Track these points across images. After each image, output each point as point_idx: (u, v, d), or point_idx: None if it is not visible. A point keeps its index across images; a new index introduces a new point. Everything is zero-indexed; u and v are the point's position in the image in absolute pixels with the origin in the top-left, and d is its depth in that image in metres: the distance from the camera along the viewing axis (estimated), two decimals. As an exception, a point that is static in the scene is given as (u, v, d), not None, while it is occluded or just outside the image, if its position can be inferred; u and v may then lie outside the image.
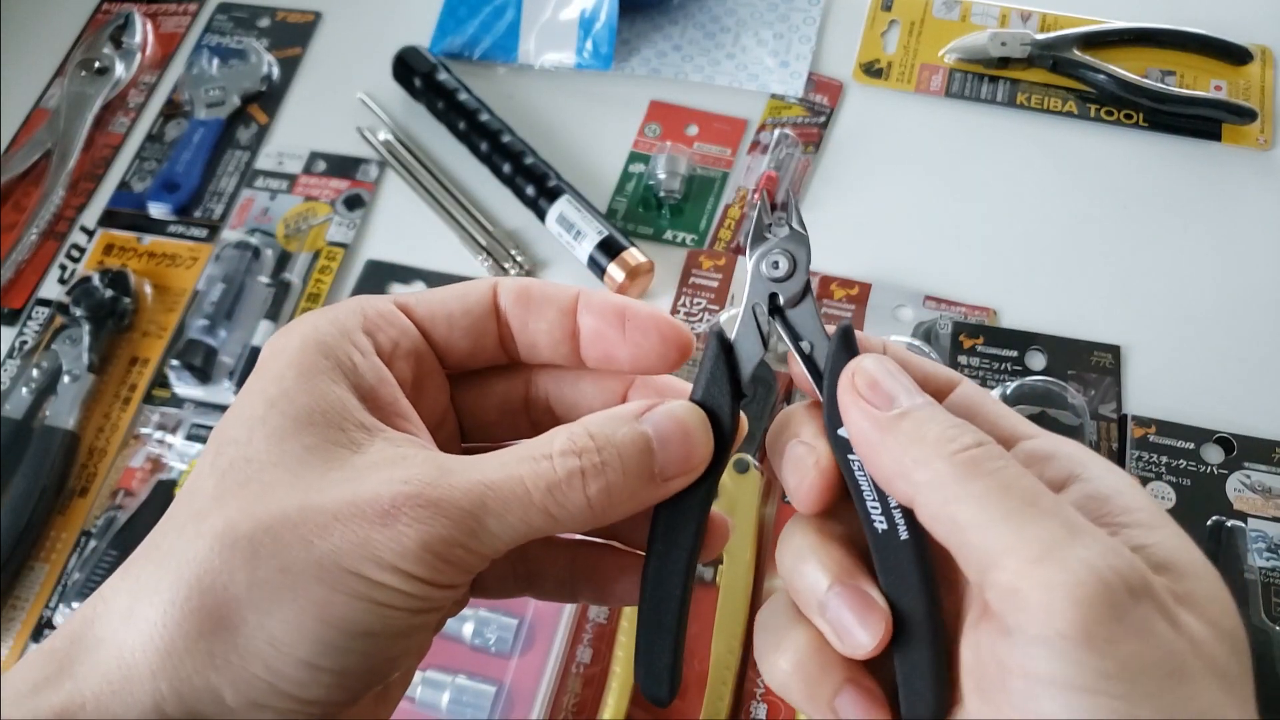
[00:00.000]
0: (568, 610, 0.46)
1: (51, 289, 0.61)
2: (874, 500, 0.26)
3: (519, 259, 0.59)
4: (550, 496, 0.24)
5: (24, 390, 0.57)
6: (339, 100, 0.67)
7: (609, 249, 0.56)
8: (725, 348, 0.28)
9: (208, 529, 0.23)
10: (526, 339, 0.29)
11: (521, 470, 0.25)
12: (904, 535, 0.26)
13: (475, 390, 0.30)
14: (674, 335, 0.28)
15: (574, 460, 0.25)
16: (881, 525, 0.26)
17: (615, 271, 0.56)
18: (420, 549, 0.23)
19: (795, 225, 0.29)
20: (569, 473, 0.25)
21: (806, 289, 0.28)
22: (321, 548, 0.23)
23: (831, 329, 0.28)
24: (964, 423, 0.25)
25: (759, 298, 0.29)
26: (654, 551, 0.27)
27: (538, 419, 0.31)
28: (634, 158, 0.63)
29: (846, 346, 0.27)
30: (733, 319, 0.29)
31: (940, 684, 0.25)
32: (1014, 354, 0.54)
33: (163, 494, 0.52)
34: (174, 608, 0.22)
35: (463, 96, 0.63)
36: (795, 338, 0.28)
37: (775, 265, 0.28)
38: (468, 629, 0.46)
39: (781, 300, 0.29)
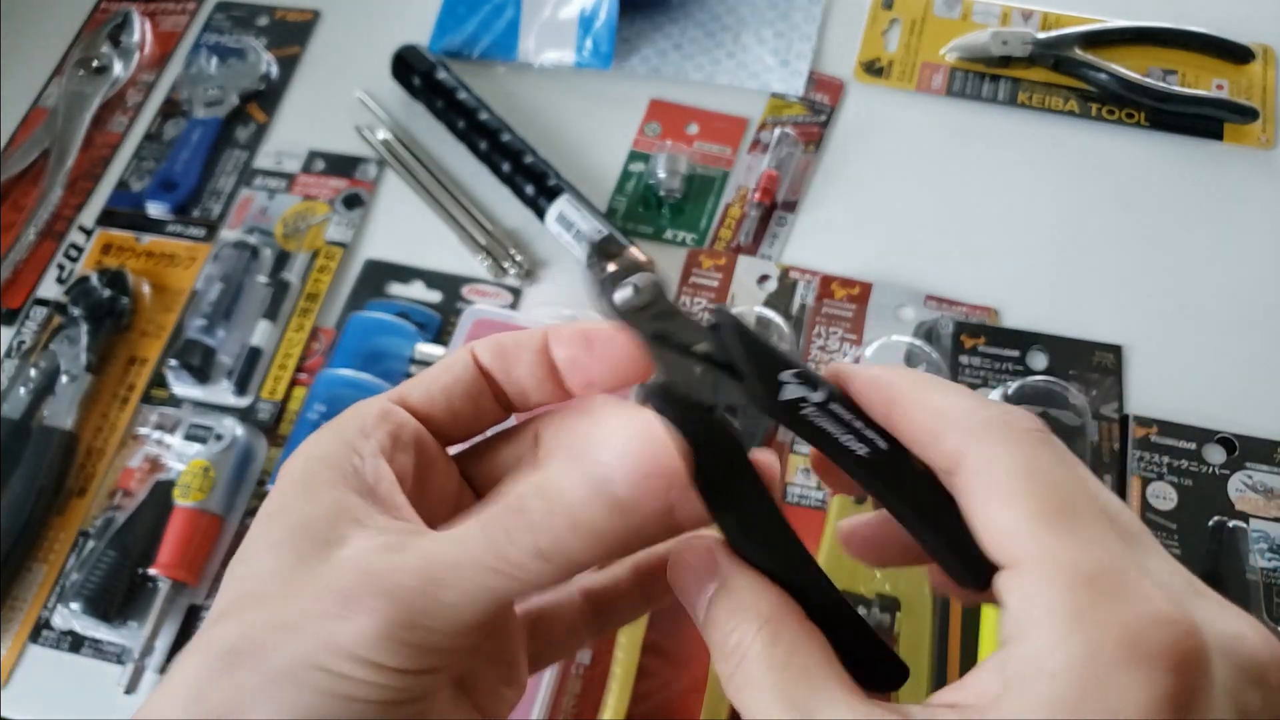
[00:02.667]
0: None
1: (49, 289, 0.61)
2: (846, 434, 0.26)
3: (518, 258, 0.59)
4: (492, 554, 0.24)
5: (22, 390, 0.56)
6: (338, 99, 0.67)
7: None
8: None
9: (201, 645, 0.24)
10: (514, 388, 0.30)
11: (467, 530, 0.24)
12: (884, 446, 0.26)
13: (487, 462, 0.31)
14: (630, 350, 0.28)
15: (507, 518, 0.24)
16: (863, 450, 0.26)
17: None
18: (378, 636, 0.23)
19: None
20: (507, 528, 0.24)
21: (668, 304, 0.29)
22: (293, 648, 0.23)
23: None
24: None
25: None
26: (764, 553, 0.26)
27: None
28: (634, 157, 0.63)
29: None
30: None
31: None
32: (1015, 354, 0.54)
33: (161, 494, 0.52)
34: None
35: (462, 95, 0.63)
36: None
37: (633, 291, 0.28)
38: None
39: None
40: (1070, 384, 0.52)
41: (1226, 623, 0.22)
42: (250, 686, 0.23)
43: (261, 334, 0.57)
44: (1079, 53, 0.62)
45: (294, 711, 0.23)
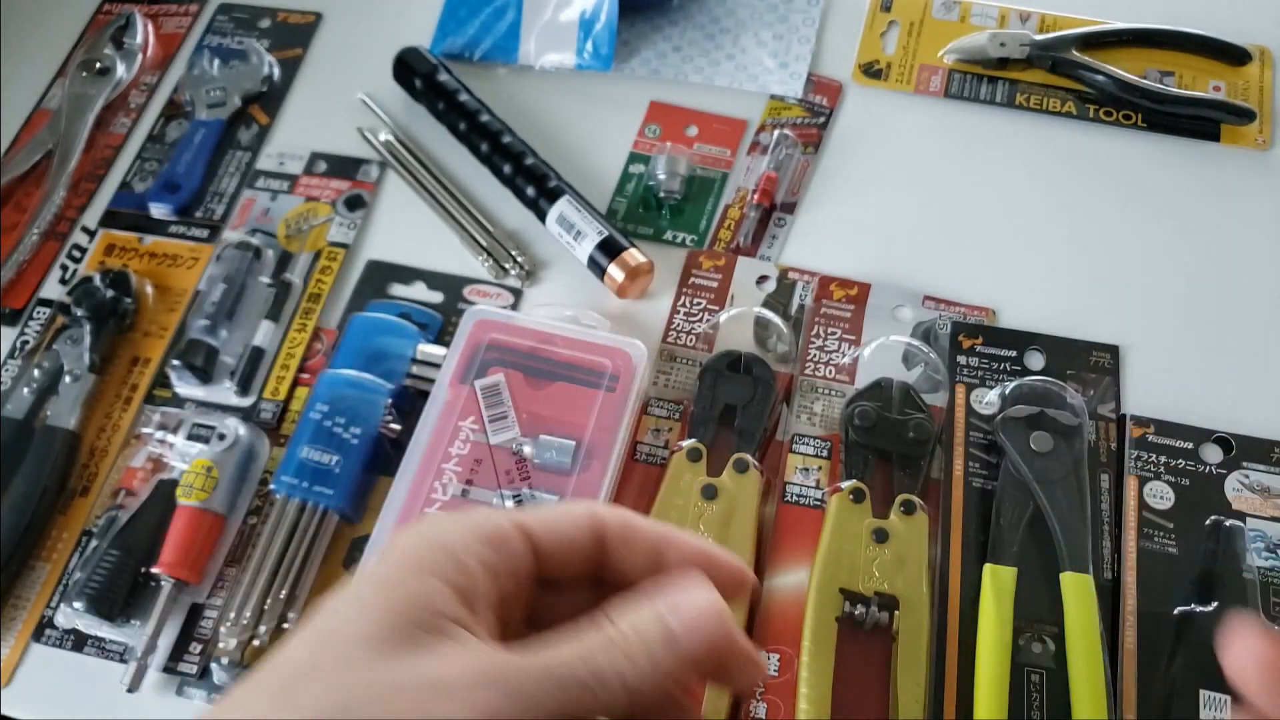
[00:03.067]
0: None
1: (53, 289, 0.62)
2: None
3: (519, 259, 0.59)
4: (594, 679, 0.26)
5: (25, 390, 0.57)
6: (340, 101, 0.67)
7: (609, 249, 0.56)
8: None
9: (300, 704, 0.25)
10: (618, 564, 0.32)
11: (568, 654, 0.27)
12: None
13: (554, 595, 0.33)
14: (741, 578, 0.31)
15: (609, 652, 0.27)
16: None
17: (615, 272, 0.56)
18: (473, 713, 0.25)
19: None
20: (607, 661, 0.27)
21: None
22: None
23: None
24: None
25: None
26: None
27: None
28: (634, 158, 0.63)
29: None
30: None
31: None
32: (1013, 354, 0.54)
33: (164, 493, 0.52)
34: None
35: (463, 97, 0.63)
36: None
37: None
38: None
39: None
40: (1067, 384, 0.52)
41: None
42: None
43: (264, 334, 0.58)
44: (1076, 54, 0.63)
45: None
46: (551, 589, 0.32)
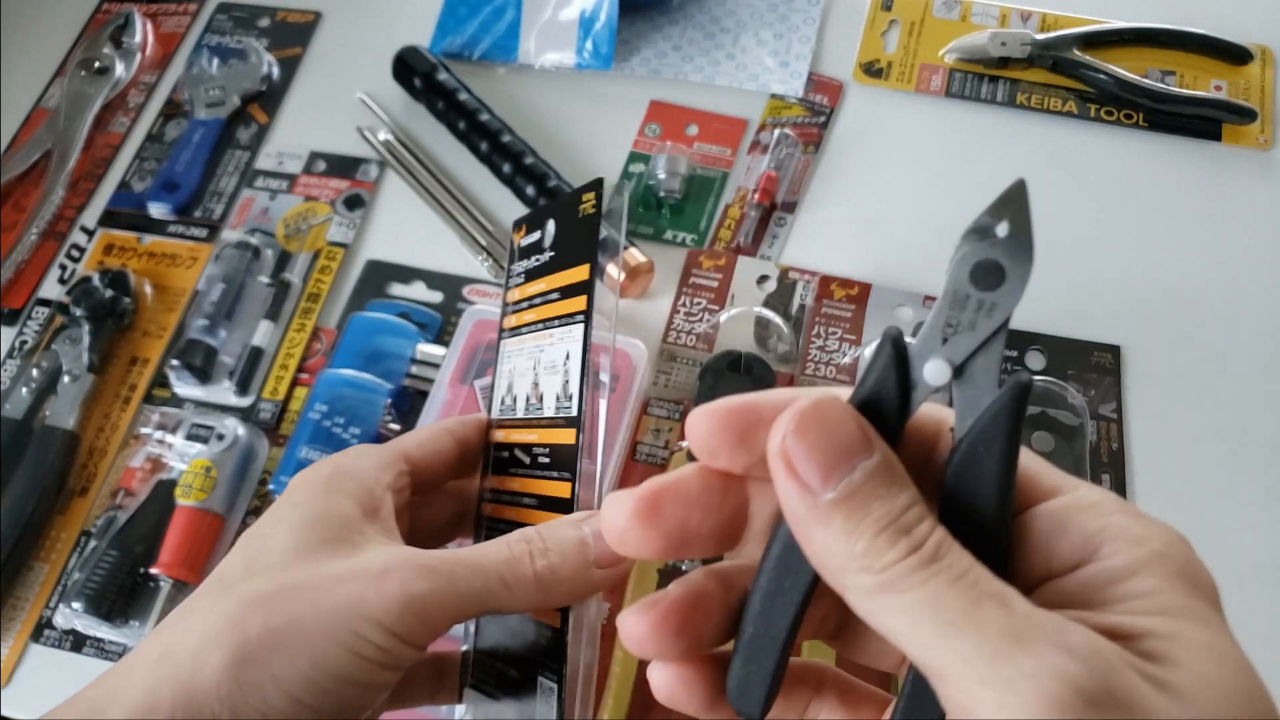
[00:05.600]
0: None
1: (51, 289, 0.61)
2: None
3: (519, 259, 0.59)
4: (507, 567, 0.31)
5: (24, 390, 0.57)
6: (339, 100, 0.67)
7: (609, 249, 0.56)
8: (899, 359, 0.23)
9: (235, 593, 0.29)
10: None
11: (486, 548, 0.31)
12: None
13: (431, 507, 0.38)
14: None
15: (524, 545, 0.31)
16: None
17: (615, 271, 0.56)
18: (402, 606, 0.28)
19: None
20: (521, 551, 0.31)
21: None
22: (325, 604, 0.28)
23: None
24: (906, 508, 0.21)
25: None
26: (766, 571, 0.25)
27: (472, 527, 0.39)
28: (634, 157, 0.63)
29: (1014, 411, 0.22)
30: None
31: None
32: (1014, 354, 0.54)
33: (163, 493, 0.52)
34: (203, 649, 0.28)
35: (463, 96, 0.63)
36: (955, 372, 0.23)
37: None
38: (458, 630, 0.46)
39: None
40: (1068, 384, 0.52)
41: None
42: (283, 629, 0.28)
43: (263, 334, 0.58)
44: (1077, 54, 0.63)
45: (314, 655, 0.28)
46: (424, 498, 0.37)
